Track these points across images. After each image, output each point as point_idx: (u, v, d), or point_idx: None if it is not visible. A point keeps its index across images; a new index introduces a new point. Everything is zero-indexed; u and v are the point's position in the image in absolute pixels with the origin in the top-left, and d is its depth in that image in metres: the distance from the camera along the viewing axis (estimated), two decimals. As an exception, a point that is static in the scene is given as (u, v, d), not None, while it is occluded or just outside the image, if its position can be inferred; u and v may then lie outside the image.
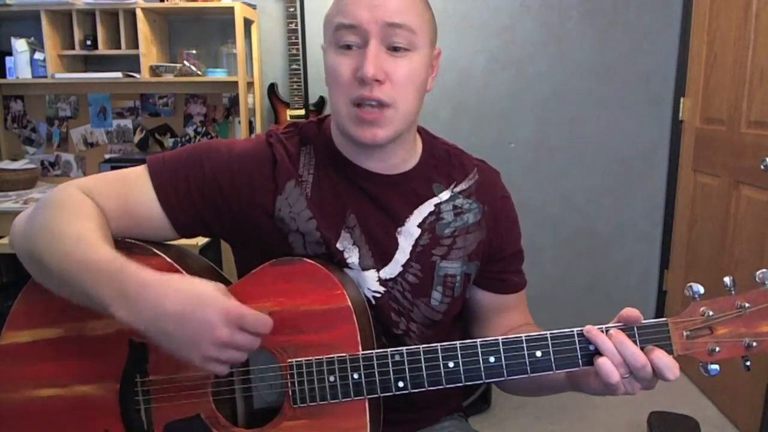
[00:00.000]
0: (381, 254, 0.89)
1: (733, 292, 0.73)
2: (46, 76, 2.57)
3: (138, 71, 2.54)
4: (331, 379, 0.78)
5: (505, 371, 0.76)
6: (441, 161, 0.95)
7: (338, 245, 0.88)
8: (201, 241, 1.89)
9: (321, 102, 2.69)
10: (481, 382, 0.77)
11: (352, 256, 0.88)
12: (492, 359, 0.76)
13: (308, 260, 0.82)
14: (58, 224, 0.79)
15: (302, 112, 2.63)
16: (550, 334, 0.76)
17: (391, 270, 0.89)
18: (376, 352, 0.78)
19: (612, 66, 2.71)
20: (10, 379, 0.83)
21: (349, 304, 0.79)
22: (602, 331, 0.74)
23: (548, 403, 2.31)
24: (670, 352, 0.73)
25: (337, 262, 0.88)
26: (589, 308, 2.86)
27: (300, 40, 2.61)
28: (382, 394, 0.79)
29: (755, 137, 2.09)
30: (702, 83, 2.50)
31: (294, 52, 2.60)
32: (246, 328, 0.72)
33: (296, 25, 2.59)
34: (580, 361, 0.75)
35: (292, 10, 2.58)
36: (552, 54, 2.72)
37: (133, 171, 0.89)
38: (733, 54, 2.23)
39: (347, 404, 0.79)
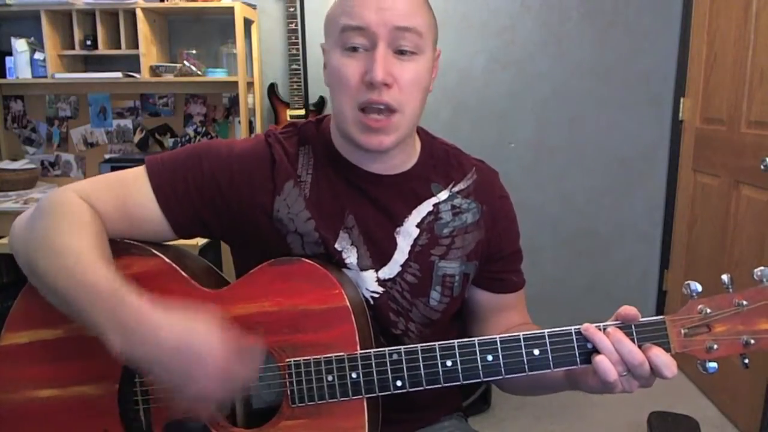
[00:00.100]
0: (380, 254, 0.89)
1: (731, 290, 0.73)
2: (46, 76, 2.58)
3: (138, 71, 2.54)
4: (330, 378, 0.78)
5: (503, 370, 0.76)
6: (439, 161, 0.95)
7: (336, 245, 0.88)
8: (201, 241, 1.89)
9: (321, 102, 2.69)
10: (480, 380, 0.77)
11: (351, 257, 0.88)
12: (490, 358, 0.76)
13: (306, 260, 0.82)
14: (57, 236, 0.78)
15: (302, 112, 2.63)
16: (548, 332, 0.76)
17: (390, 270, 0.89)
18: (374, 352, 0.78)
19: (612, 66, 2.71)
20: (10, 380, 0.83)
21: (347, 303, 0.79)
22: (600, 329, 0.74)
23: (548, 403, 2.31)
24: (667, 349, 0.73)
25: (336, 263, 0.88)
26: (589, 308, 2.86)
27: (300, 40, 2.62)
28: (380, 393, 0.79)
29: (755, 137, 2.09)
30: (702, 83, 2.50)
31: (294, 52, 2.60)
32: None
33: (296, 25, 2.60)
34: (578, 360, 0.75)
35: (292, 10, 2.58)
36: (552, 54, 2.72)
37: (131, 172, 0.88)
38: (733, 54, 2.23)
39: (345, 404, 0.79)
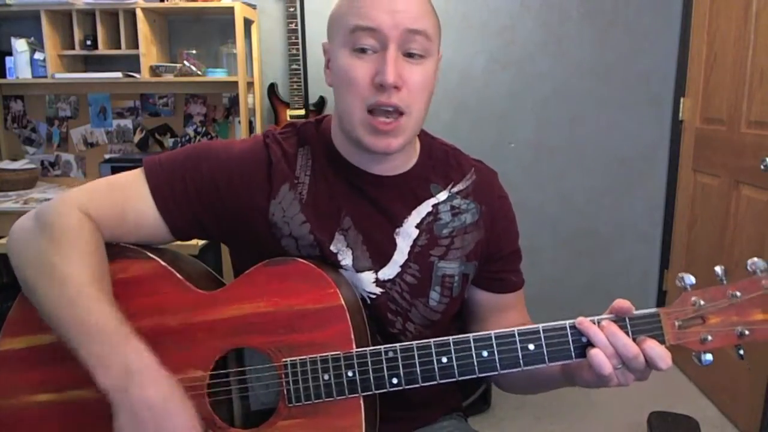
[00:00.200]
0: (379, 255, 0.89)
1: (724, 282, 0.73)
2: (46, 76, 2.58)
3: (138, 71, 2.55)
4: (326, 377, 0.78)
5: (498, 365, 0.76)
6: (439, 162, 0.95)
7: (332, 247, 0.87)
8: (201, 242, 1.88)
9: (321, 102, 2.68)
10: (475, 376, 0.77)
11: (346, 258, 0.88)
12: (485, 353, 0.76)
13: (302, 260, 0.82)
14: (57, 261, 0.78)
15: (302, 112, 2.63)
16: (543, 326, 0.76)
17: (390, 271, 0.89)
18: (370, 350, 0.78)
19: (612, 66, 2.71)
20: (8, 385, 0.83)
21: (342, 302, 0.79)
22: (594, 323, 0.74)
23: (548, 403, 2.31)
24: (662, 342, 0.73)
25: (331, 264, 0.87)
26: (588, 308, 2.81)
27: (300, 40, 2.62)
28: (376, 391, 0.79)
29: (755, 137, 2.08)
30: (702, 83, 2.50)
31: (294, 52, 2.60)
32: None
33: (296, 25, 2.60)
34: (572, 353, 0.75)
35: (292, 10, 2.58)
36: (552, 54, 2.72)
37: (129, 175, 0.88)
38: (733, 54, 2.23)
39: (342, 402, 0.79)
